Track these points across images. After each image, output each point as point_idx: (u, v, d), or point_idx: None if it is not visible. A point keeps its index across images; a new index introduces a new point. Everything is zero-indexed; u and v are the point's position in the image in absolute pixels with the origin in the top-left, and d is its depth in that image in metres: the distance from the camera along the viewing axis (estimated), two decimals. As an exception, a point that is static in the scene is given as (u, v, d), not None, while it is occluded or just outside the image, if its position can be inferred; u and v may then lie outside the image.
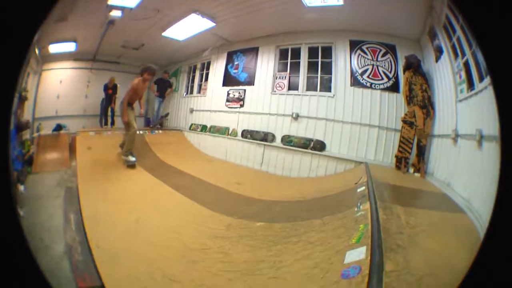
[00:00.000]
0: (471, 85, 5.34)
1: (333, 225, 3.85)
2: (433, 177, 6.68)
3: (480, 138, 4.70)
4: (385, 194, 4.68)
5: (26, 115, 5.97)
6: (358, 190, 5.04)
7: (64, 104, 8.39)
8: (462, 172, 5.54)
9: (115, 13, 7.59)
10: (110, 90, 9.79)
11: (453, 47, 5.94)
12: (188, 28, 8.59)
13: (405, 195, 5.32)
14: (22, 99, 5.49)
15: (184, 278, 3.07)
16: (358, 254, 2.69)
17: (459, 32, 5.49)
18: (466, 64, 5.45)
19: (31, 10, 1.79)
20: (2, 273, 1.71)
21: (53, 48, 7.92)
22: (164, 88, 10.35)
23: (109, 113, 9.83)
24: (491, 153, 4.14)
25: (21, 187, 4.26)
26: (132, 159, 7.29)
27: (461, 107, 5.85)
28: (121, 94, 9.43)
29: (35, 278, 1.81)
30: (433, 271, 2.56)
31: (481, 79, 4.83)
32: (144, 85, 8.04)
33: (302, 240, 3.59)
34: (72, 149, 7.00)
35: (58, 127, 7.52)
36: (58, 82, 8.50)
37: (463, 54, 5.51)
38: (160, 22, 8.31)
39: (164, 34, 8.90)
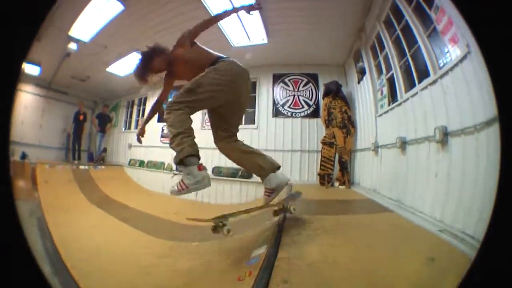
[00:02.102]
0: (393, 97, 5.32)
1: (251, 235, 4.11)
2: (359, 187, 6.59)
3: (402, 144, 4.66)
4: (298, 207, 4.45)
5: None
6: (275, 208, 4.65)
7: (27, 131, 7.48)
8: (386, 177, 5.48)
9: (72, 46, 7.07)
10: (81, 116, 8.91)
11: (378, 65, 5.95)
12: (128, 65, 7.80)
13: (318, 206, 5.38)
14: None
15: (143, 284, 3.27)
16: (260, 250, 2.95)
17: (388, 47, 5.47)
18: (390, 79, 5.41)
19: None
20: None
21: (27, 68, 7.04)
22: (104, 122, 9.46)
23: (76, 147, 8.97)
24: (421, 154, 4.17)
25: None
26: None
27: (381, 120, 5.84)
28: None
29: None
30: (324, 257, 2.59)
31: (410, 87, 4.77)
32: None
33: (224, 249, 3.85)
34: (33, 180, 6.35)
35: (23, 155, 6.62)
36: (23, 107, 7.54)
37: (389, 69, 5.48)
38: (105, 58, 7.80)
39: (108, 69, 8.34)
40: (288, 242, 2.98)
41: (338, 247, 2.86)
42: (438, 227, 3.26)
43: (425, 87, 4.09)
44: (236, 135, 3.84)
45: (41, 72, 7.68)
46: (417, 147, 4.28)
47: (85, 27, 6.56)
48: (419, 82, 4.37)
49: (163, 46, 3.89)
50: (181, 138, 3.05)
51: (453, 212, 3.22)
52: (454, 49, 3.45)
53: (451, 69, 3.50)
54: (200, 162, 3.14)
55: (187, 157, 3.03)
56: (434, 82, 3.87)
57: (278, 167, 3.66)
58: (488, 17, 1.41)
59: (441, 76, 3.73)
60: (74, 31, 6.68)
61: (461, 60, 3.24)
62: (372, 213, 4.39)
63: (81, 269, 3.12)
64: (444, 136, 3.53)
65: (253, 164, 3.73)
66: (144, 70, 3.83)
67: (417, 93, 4.37)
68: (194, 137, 3.16)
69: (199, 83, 3.15)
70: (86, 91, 9.12)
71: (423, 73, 4.27)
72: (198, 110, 3.33)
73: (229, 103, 3.43)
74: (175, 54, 3.66)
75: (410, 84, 4.77)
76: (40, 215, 4.76)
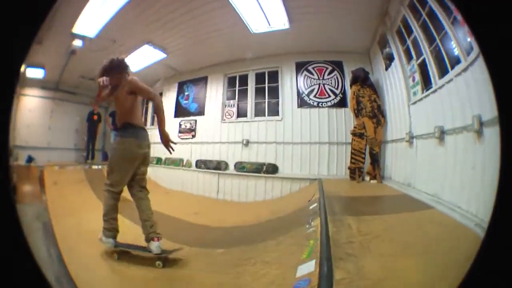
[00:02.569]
0: (427, 84, 5.15)
1: (286, 244, 3.73)
2: (391, 181, 6.43)
3: (441, 134, 4.49)
4: (337, 207, 4.45)
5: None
6: (311, 207, 4.84)
7: (33, 134, 7.60)
8: (423, 170, 5.28)
9: (77, 43, 7.10)
10: (95, 116, 9.06)
11: (407, 50, 5.79)
12: (141, 59, 7.95)
13: (358, 205, 5.06)
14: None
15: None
16: (308, 268, 2.57)
17: (416, 31, 5.30)
18: (422, 64, 5.24)
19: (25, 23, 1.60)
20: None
21: (29, 72, 7.20)
22: None
23: (90, 146, 9.15)
24: (459, 144, 4.06)
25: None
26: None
27: (414, 109, 5.66)
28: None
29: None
30: (391, 274, 2.32)
31: (443, 73, 4.61)
32: None
33: (259, 261, 3.43)
34: (41, 183, 6.42)
35: (29, 159, 6.83)
36: (28, 111, 7.71)
37: (419, 55, 5.33)
38: (115, 53, 7.51)
39: None
40: (340, 254, 2.71)
41: (398, 257, 2.66)
42: (474, 221, 3.19)
43: (459, 74, 3.97)
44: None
45: (46, 74, 7.78)
46: (456, 137, 4.15)
47: (89, 22, 6.59)
48: (452, 68, 4.25)
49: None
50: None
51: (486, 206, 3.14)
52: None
53: (477, 57, 3.43)
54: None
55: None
56: (466, 69, 3.75)
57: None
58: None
59: (472, 63, 3.64)
60: (77, 28, 6.71)
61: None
62: (414, 211, 4.23)
63: (84, 279, 3.10)
64: (480, 126, 3.44)
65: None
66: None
67: (452, 79, 4.22)
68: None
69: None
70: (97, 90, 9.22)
71: (454, 59, 4.17)
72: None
73: None
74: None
75: (442, 70, 4.63)
76: (46, 219, 4.83)
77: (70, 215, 5.36)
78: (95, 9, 6.12)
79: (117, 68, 4.15)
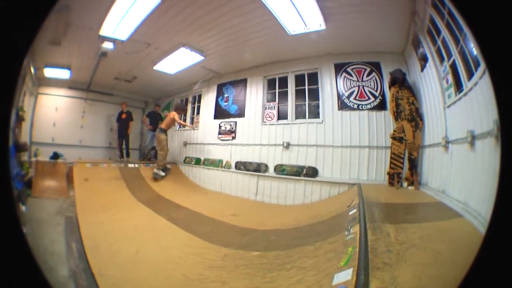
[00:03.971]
0: (459, 87, 5.08)
1: (325, 250, 3.75)
2: (427, 187, 6.32)
3: (472, 139, 4.42)
4: (376, 214, 4.45)
5: (24, 137, 5.68)
6: (350, 213, 4.89)
7: (60, 132, 8.16)
8: (456, 177, 5.21)
9: (107, 45, 7.40)
10: (124, 115, 9.61)
11: (438, 50, 5.72)
12: (178, 61, 8.40)
13: (397, 212, 5.10)
14: (20, 119, 5.24)
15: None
16: (345, 276, 2.59)
17: (444, 31, 5.25)
18: (453, 66, 5.19)
19: (19, 26, 1.67)
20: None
21: (48, 72, 7.73)
22: (156, 121, 10.05)
23: (123, 145, 9.68)
24: (485, 150, 3.98)
25: (23, 207, 4.15)
26: (162, 173, 8.75)
27: (450, 112, 5.58)
28: (136, 123, 9.97)
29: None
30: (423, 283, 2.37)
31: (470, 76, 4.56)
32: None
33: (295, 266, 3.49)
34: (69, 179, 6.75)
35: (55, 156, 7.21)
36: (54, 109, 8.28)
37: (449, 56, 5.28)
38: (150, 56, 8.14)
39: (155, 67, 8.73)
40: (378, 264, 2.77)
41: (430, 266, 2.72)
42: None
43: (481, 76, 3.98)
44: None
45: (72, 75, 8.23)
46: (483, 142, 4.09)
47: (119, 25, 6.84)
48: (476, 69, 4.23)
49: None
50: None
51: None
52: None
53: None
54: None
55: None
56: (485, 71, 3.76)
57: None
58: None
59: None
60: (105, 30, 6.98)
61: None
62: (446, 220, 4.27)
63: (109, 278, 3.19)
64: (498, 131, 3.45)
65: None
66: None
67: (477, 82, 4.21)
68: None
69: None
70: (134, 92, 9.66)
71: (476, 61, 4.17)
72: None
73: None
74: None
75: (469, 72, 4.61)
76: (71, 214, 5.05)
77: (99, 212, 5.62)
78: (123, 11, 6.37)
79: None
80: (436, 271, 2.58)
